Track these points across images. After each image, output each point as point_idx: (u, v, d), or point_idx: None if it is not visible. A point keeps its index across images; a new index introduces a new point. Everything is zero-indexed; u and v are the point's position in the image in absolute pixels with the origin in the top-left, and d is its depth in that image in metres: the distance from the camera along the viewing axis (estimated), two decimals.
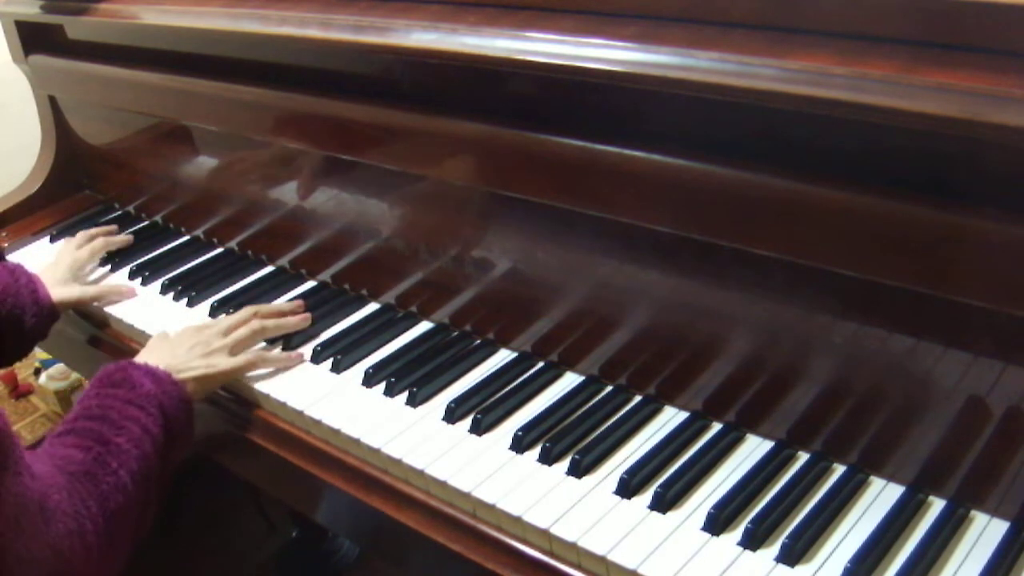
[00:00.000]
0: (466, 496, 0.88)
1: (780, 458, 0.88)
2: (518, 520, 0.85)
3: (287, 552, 1.81)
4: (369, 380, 1.05)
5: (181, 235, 1.46)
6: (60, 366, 2.18)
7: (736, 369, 0.90)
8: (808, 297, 0.83)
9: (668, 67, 0.80)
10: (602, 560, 0.80)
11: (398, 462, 0.93)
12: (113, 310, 1.28)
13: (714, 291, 0.90)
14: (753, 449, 0.90)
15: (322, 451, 1.00)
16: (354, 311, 1.20)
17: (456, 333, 1.13)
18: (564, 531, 0.82)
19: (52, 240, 1.51)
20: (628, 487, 0.86)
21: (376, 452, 0.95)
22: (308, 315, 1.16)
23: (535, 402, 1.00)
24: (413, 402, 1.01)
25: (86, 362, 1.45)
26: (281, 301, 1.23)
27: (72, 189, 1.64)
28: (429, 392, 1.02)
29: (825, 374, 0.85)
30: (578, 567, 0.82)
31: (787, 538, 0.79)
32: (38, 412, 2.24)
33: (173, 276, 1.33)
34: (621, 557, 0.79)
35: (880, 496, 0.83)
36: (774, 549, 0.79)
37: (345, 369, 1.09)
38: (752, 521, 0.81)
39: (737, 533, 0.81)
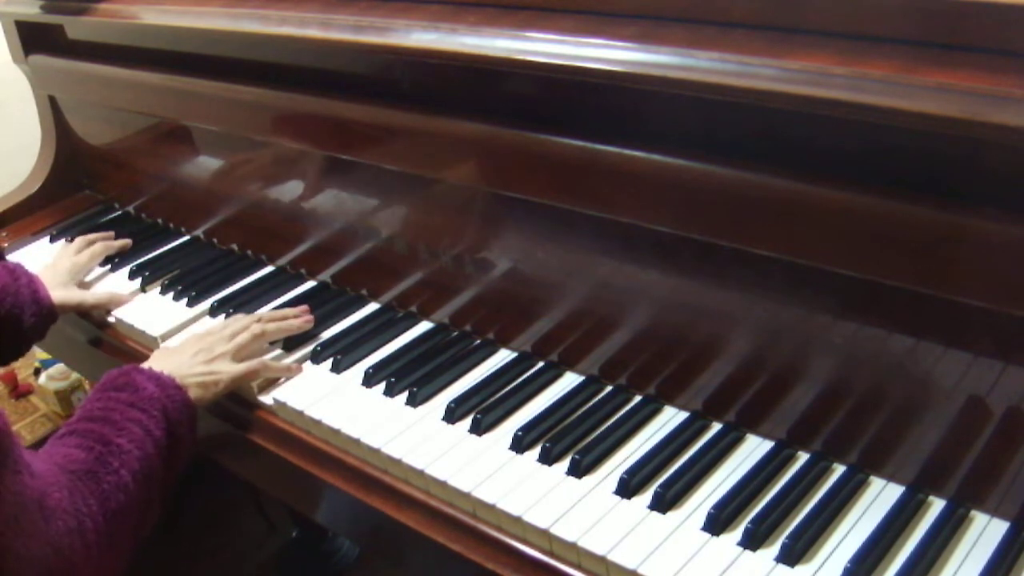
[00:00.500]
0: (466, 496, 0.88)
1: (780, 458, 0.88)
2: (518, 520, 0.85)
3: (287, 552, 1.81)
4: (369, 380, 1.06)
5: (181, 235, 1.46)
6: (60, 366, 2.18)
7: (736, 369, 0.90)
8: (808, 297, 0.83)
9: (668, 67, 0.80)
10: (602, 560, 0.80)
11: (398, 462, 0.93)
12: (113, 310, 1.28)
13: (714, 291, 0.90)
14: (753, 449, 0.90)
15: (322, 451, 1.00)
16: (354, 311, 1.20)
17: (456, 333, 1.13)
18: (564, 531, 0.82)
19: (52, 240, 1.51)
20: (628, 487, 0.86)
21: (376, 452, 0.95)
22: (311, 317, 1.16)
23: (535, 402, 1.00)
24: (413, 402, 1.01)
25: (86, 362, 1.45)
26: (281, 301, 1.24)
27: (72, 189, 1.64)
28: (429, 392, 1.02)
29: (825, 374, 0.85)
30: (578, 567, 0.82)
31: (787, 538, 0.79)
32: (38, 412, 2.24)
33: (173, 276, 1.33)
34: (621, 557, 0.79)
35: (880, 496, 0.83)
36: (774, 549, 0.79)
37: (345, 369, 1.09)
38: (752, 521, 0.81)
39: (737, 533, 0.81)
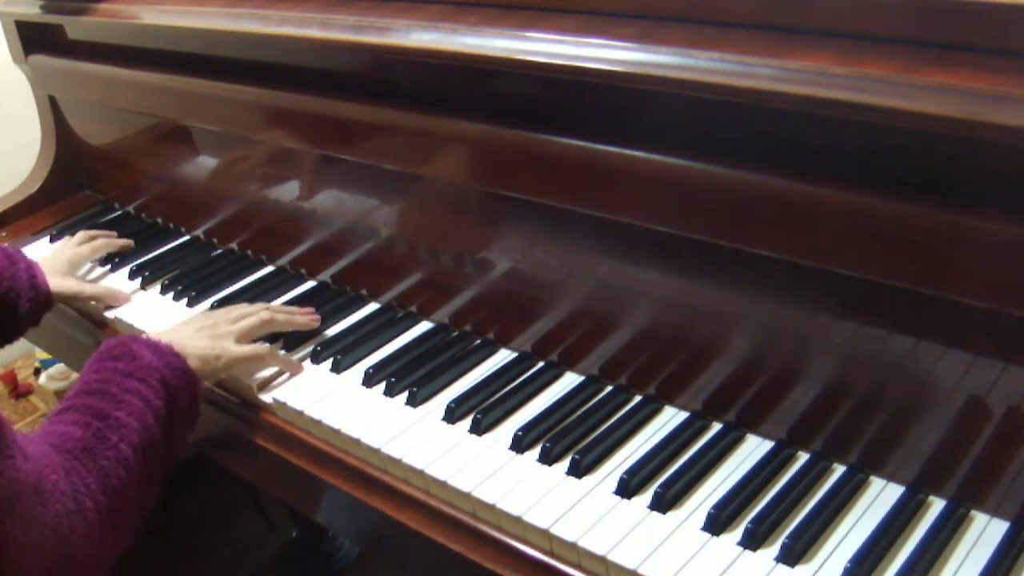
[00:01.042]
0: (466, 496, 0.88)
1: (780, 458, 0.88)
2: (518, 520, 0.85)
3: (287, 552, 1.81)
4: (369, 380, 1.06)
5: (181, 235, 1.46)
6: (60, 366, 2.18)
7: (736, 369, 0.90)
8: (808, 297, 0.83)
9: (668, 67, 0.80)
10: (602, 560, 0.80)
11: (398, 462, 0.93)
12: (113, 310, 1.28)
13: (714, 291, 0.90)
14: (753, 449, 0.90)
15: (322, 451, 1.00)
16: (354, 311, 1.20)
17: (456, 333, 1.13)
18: (564, 531, 0.82)
19: (52, 240, 1.51)
20: (628, 487, 0.86)
21: (376, 452, 0.95)
22: (318, 317, 1.16)
23: (535, 402, 1.00)
24: (413, 402, 1.01)
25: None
26: (281, 301, 1.23)
27: (72, 189, 1.64)
28: (429, 392, 1.02)
29: (825, 374, 0.85)
30: (578, 567, 0.82)
31: (787, 538, 0.79)
32: (38, 412, 2.24)
33: (173, 276, 1.33)
34: (621, 557, 0.79)
35: (880, 496, 0.83)
36: (774, 549, 0.79)
37: (345, 369, 1.09)
38: (752, 521, 0.81)
39: (737, 533, 0.81)
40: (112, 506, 0.86)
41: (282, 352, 1.13)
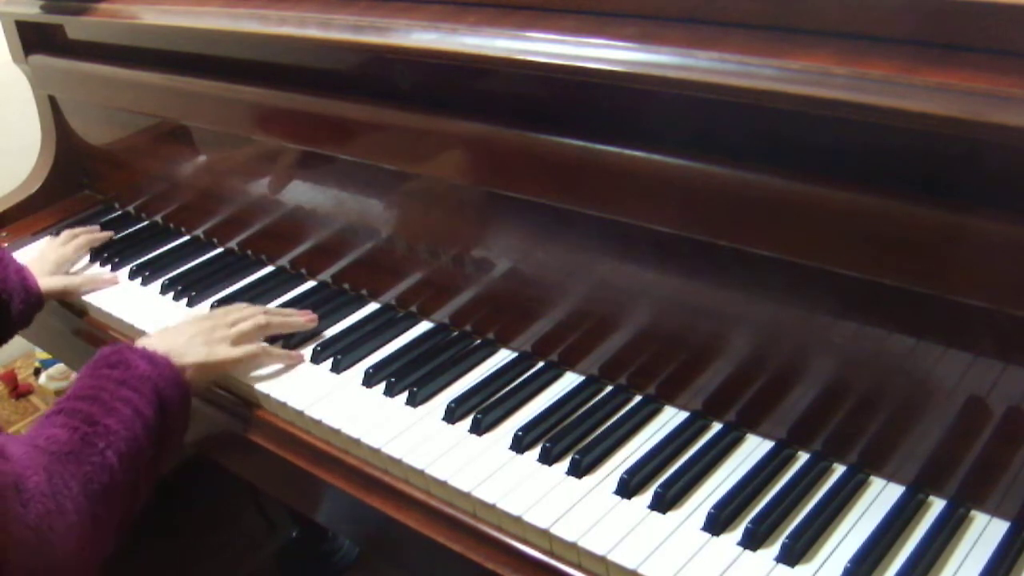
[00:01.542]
0: (466, 496, 0.88)
1: (780, 458, 0.88)
2: (518, 520, 0.85)
3: (287, 552, 1.81)
4: (369, 380, 1.06)
5: (181, 235, 1.46)
6: (60, 366, 2.18)
7: (736, 369, 0.90)
8: (808, 297, 0.83)
9: (668, 67, 0.80)
10: (602, 560, 0.80)
11: (398, 462, 0.93)
12: (113, 310, 1.28)
13: (714, 291, 0.90)
14: (753, 449, 0.90)
15: (322, 451, 1.00)
16: (354, 311, 1.20)
17: (456, 333, 1.13)
18: (564, 531, 0.82)
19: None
20: (628, 487, 0.86)
21: (376, 452, 0.95)
22: (315, 317, 1.16)
23: (535, 402, 1.00)
24: (413, 402, 1.01)
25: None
26: (281, 301, 1.24)
27: (72, 189, 1.64)
28: (429, 392, 1.02)
29: (825, 374, 0.85)
30: (578, 567, 0.82)
31: (787, 538, 0.79)
32: (38, 412, 2.24)
33: (173, 276, 1.34)
34: (621, 557, 0.79)
35: (880, 496, 0.83)
36: (774, 549, 0.79)
37: (345, 369, 1.09)
38: (752, 521, 0.81)
39: (737, 533, 0.81)
40: (93, 510, 0.87)
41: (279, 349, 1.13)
